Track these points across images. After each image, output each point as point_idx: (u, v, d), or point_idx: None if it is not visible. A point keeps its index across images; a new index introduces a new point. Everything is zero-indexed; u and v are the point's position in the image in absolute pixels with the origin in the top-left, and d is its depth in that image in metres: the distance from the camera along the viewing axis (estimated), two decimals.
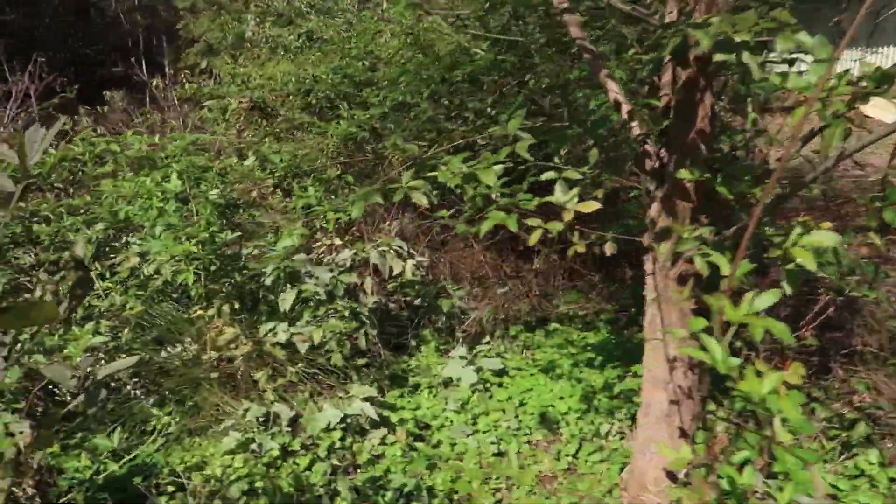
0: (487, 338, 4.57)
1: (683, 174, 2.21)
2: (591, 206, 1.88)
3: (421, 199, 3.21)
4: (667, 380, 2.54)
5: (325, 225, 4.57)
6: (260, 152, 4.63)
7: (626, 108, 2.40)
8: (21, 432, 1.47)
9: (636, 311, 4.68)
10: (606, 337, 4.52)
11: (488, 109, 4.61)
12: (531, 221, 1.94)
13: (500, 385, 3.99)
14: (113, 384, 3.37)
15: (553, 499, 2.99)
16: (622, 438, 3.41)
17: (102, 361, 3.62)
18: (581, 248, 1.94)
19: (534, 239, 1.91)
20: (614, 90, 2.42)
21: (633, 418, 3.49)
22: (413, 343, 4.53)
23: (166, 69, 10.10)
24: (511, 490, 3.09)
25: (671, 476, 2.64)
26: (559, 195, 1.91)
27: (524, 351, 4.49)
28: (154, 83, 10.04)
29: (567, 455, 3.33)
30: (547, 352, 4.38)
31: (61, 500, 2.50)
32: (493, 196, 4.20)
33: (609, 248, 2.20)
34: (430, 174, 2.47)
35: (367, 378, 3.92)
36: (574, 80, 3.48)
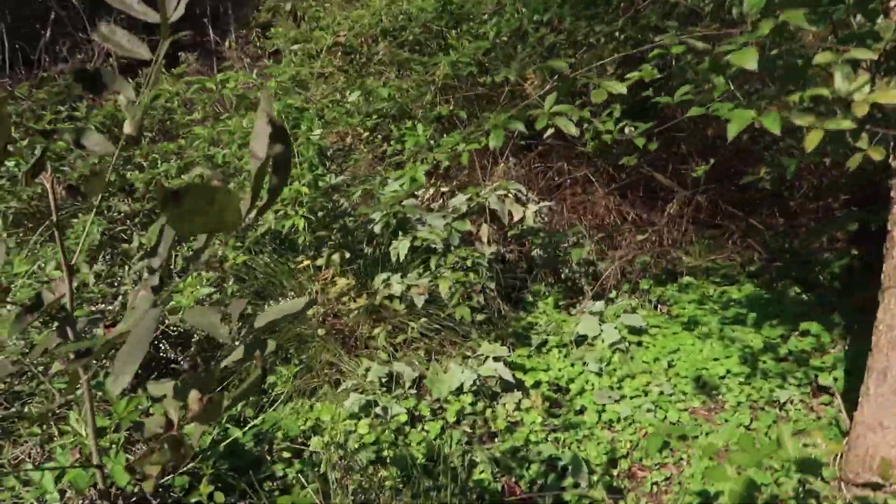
0: (614, 292, 4.08)
1: None
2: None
3: (569, 127, 2.73)
4: None
5: (427, 168, 4.13)
6: (365, 86, 4.21)
7: None
8: (164, 396, 1.09)
9: (788, 264, 4.10)
10: (755, 291, 3.95)
11: (616, 33, 4.04)
12: (802, 121, 1.43)
13: (639, 344, 3.52)
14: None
15: (742, 475, 2.51)
16: (804, 407, 2.90)
17: None
18: (878, 156, 1.42)
19: (812, 142, 1.41)
20: None
21: (812, 384, 2.97)
22: (529, 298, 4.08)
23: (232, 34, 9.94)
24: (680, 466, 2.64)
25: None
26: (841, 83, 1.39)
27: (658, 306, 3.98)
28: (227, 43, 9.87)
29: (740, 426, 2.84)
30: (686, 308, 3.86)
31: (180, 470, 2.20)
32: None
33: None
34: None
35: (487, 335, 3.52)
36: None
